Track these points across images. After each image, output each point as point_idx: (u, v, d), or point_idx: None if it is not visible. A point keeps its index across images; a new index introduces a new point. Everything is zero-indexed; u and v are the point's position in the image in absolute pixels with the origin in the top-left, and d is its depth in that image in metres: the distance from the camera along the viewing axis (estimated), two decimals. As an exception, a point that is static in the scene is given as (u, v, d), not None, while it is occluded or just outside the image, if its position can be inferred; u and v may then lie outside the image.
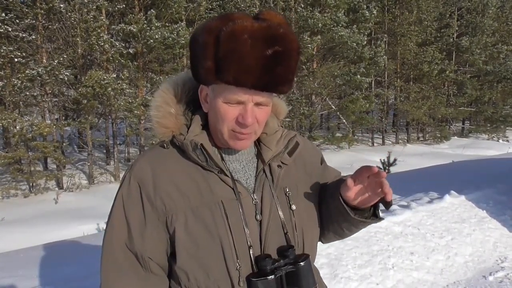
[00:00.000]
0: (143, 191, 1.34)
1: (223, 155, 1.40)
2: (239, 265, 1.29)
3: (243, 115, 1.24)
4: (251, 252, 1.31)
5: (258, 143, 1.44)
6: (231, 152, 1.41)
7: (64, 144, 17.94)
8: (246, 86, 1.19)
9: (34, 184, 15.45)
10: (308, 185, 1.50)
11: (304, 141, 1.56)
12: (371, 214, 1.39)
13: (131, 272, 1.36)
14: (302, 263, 1.33)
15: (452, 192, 6.87)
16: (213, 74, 1.20)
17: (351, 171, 1.51)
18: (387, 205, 1.28)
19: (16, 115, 15.16)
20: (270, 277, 1.27)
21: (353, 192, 1.30)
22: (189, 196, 1.32)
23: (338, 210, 1.36)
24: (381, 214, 1.39)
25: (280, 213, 1.37)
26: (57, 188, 15.93)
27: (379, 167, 1.23)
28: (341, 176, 1.62)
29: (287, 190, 1.42)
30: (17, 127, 14.81)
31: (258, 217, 1.35)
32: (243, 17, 1.20)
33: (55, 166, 16.93)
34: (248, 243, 1.31)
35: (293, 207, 1.40)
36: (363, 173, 1.26)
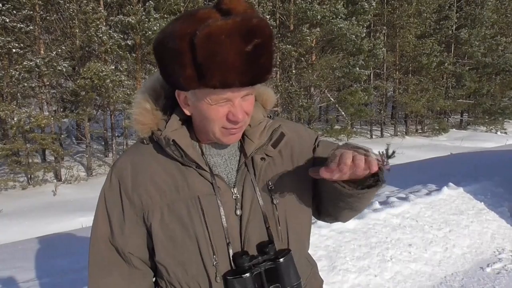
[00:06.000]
0: (122, 187, 1.35)
1: (204, 149, 1.38)
2: (215, 261, 1.28)
3: (233, 112, 1.22)
4: (229, 249, 1.30)
5: (241, 135, 1.40)
6: (214, 146, 1.39)
7: (62, 136, 17.92)
8: (234, 86, 1.17)
9: (32, 176, 15.42)
10: (296, 175, 1.44)
11: (293, 128, 1.52)
12: (373, 181, 1.24)
13: (114, 267, 1.39)
14: (281, 260, 1.31)
15: (450, 184, 6.87)
16: (196, 80, 1.16)
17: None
18: (382, 172, 1.18)
19: (14, 106, 15.10)
20: (246, 275, 1.26)
21: (336, 176, 1.16)
22: (166, 191, 1.31)
23: (336, 189, 1.27)
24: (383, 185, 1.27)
25: (262, 207, 1.35)
26: (55, 180, 15.92)
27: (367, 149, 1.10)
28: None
29: (270, 184, 1.38)
30: (15, 119, 14.75)
31: (238, 212, 1.33)
32: (210, 15, 1.15)
33: (53, 158, 16.87)
34: (227, 239, 1.30)
35: (276, 201, 1.37)
36: (335, 161, 1.14)
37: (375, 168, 1.11)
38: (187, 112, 1.32)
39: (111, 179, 1.38)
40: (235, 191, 1.34)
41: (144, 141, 1.39)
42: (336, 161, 1.12)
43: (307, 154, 1.51)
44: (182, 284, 1.34)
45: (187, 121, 1.37)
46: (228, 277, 1.27)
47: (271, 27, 1.23)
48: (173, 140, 1.29)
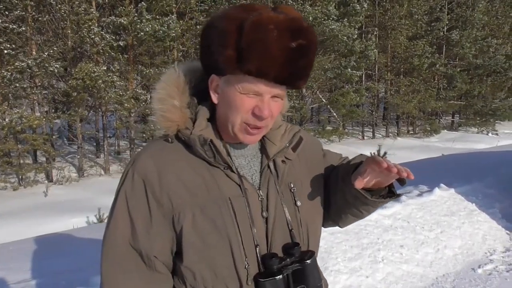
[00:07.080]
0: (148, 188, 1.29)
1: (229, 150, 1.36)
2: (247, 263, 1.27)
3: (260, 107, 1.22)
4: (257, 251, 1.29)
5: (262, 137, 1.40)
6: (237, 147, 1.38)
7: (53, 136, 17.83)
8: (267, 78, 1.18)
9: (23, 177, 15.34)
10: (312, 180, 1.47)
11: (305, 135, 1.53)
12: (387, 192, 1.37)
13: (135, 271, 1.32)
14: (308, 261, 1.32)
15: (442, 185, 6.90)
16: (234, 63, 1.17)
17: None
18: (402, 182, 1.25)
19: (5, 107, 15.04)
20: (278, 277, 1.26)
21: (365, 184, 1.28)
22: (196, 192, 1.28)
23: (355, 197, 1.33)
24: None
25: (286, 209, 1.35)
26: (46, 181, 15.83)
27: (382, 156, 1.20)
28: (346, 158, 1.61)
29: (292, 186, 1.40)
30: (6, 120, 14.67)
31: (264, 214, 1.32)
32: (265, 8, 1.19)
33: (44, 159, 16.78)
34: (255, 241, 1.29)
35: (298, 203, 1.38)
36: (373, 167, 1.23)
37: (405, 174, 1.18)
38: (215, 100, 1.30)
39: (133, 178, 1.31)
40: (260, 193, 1.34)
41: (169, 139, 1.34)
42: (379, 163, 1.19)
43: (318, 160, 1.56)
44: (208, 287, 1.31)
45: (210, 120, 1.35)
46: (260, 279, 1.26)
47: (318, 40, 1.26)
48: (210, 140, 1.26)
